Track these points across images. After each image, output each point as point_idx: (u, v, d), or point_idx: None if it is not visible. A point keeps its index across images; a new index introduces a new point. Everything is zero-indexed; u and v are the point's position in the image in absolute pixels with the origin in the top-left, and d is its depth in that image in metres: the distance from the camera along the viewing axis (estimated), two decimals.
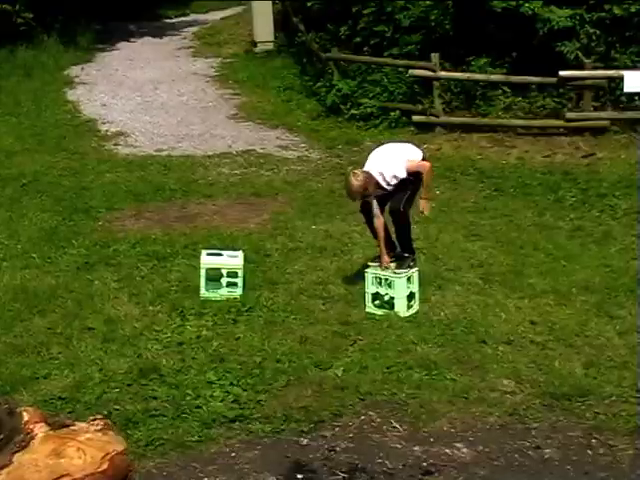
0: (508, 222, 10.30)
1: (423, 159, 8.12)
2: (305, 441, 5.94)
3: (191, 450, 5.85)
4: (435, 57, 14.06)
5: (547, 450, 5.83)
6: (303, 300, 8.09)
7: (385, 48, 15.82)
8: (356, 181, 7.73)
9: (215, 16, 26.82)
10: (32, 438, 4.38)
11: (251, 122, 15.43)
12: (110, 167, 12.70)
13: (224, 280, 8.12)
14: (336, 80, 15.56)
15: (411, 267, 8.03)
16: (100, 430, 4.54)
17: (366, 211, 8.13)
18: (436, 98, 14.20)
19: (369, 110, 14.81)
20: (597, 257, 9.15)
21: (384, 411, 6.29)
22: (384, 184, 7.92)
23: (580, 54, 13.99)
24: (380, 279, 7.87)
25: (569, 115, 13.63)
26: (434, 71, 14.15)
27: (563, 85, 13.90)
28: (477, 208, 10.89)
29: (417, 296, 7.92)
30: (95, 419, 4.70)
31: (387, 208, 8.10)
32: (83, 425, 4.60)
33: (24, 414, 4.50)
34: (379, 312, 7.81)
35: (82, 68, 19.89)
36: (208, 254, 8.32)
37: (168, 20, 27.17)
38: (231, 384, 6.59)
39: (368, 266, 8.15)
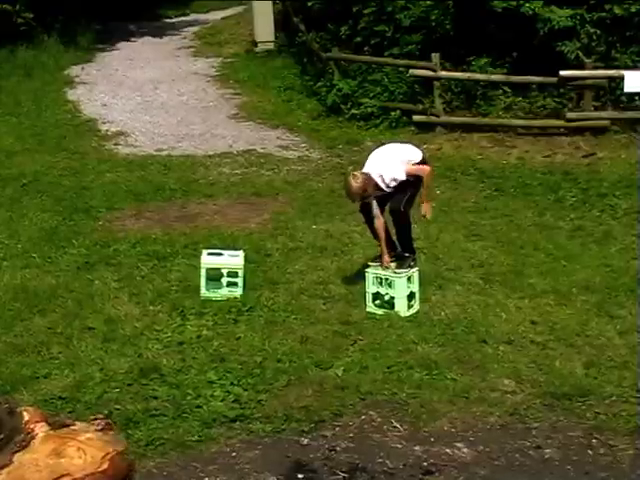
0: (508, 222, 10.29)
1: (423, 160, 8.11)
2: (306, 441, 5.94)
3: (191, 450, 5.85)
4: (436, 57, 14.05)
5: (547, 450, 5.82)
6: (304, 300, 8.08)
7: (386, 48, 15.81)
8: (355, 183, 7.73)
9: (216, 16, 26.78)
10: (32, 438, 4.36)
11: (252, 122, 15.42)
12: (110, 167, 12.69)
13: (224, 280, 8.12)
14: (337, 80, 15.55)
15: (411, 267, 8.03)
16: (100, 430, 4.53)
17: (366, 211, 8.12)
18: (436, 98, 14.19)
19: (370, 110, 14.80)
20: (597, 257, 9.14)
21: (385, 411, 6.29)
22: (383, 186, 7.92)
23: (581, 54, 13.98)
24: (380, 279, 7.87)
25: (569, 115, 13.62)
26: (435, 71, 14.14)
27: (563, 85, 13.89)
28: (477, 208, 10.88)
29: (417, 296, 7.92)
30: (95, 419, 4.69)
31: (387, 208, 8.10)
32: (83, 425, 4.59)
33: (24, 414, 4.49)
34: (379, 312, 7.81)
35: (82, 68, 19.88)
36: (209, 254, 8.32)
37: (168, 20, 27.14)
38: (232, 384, 6.59)
39: (368, 266, 8.14)
